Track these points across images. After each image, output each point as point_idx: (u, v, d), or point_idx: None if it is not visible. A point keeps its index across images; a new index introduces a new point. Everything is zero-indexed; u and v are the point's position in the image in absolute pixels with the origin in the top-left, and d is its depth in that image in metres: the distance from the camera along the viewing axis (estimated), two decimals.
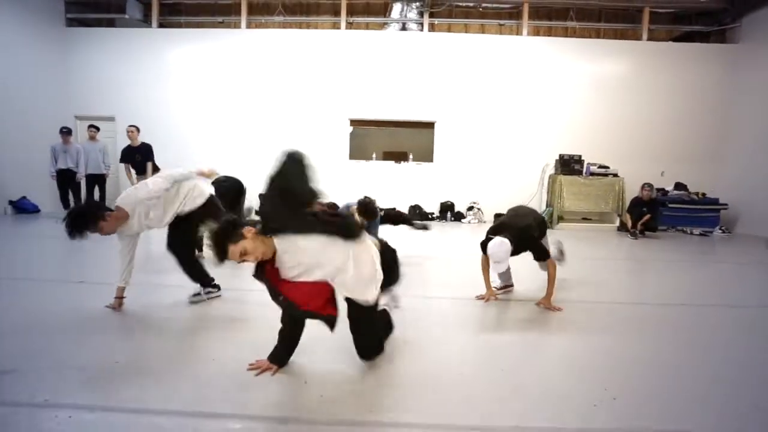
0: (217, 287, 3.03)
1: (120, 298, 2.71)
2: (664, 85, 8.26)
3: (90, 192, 7.69)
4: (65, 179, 6.79)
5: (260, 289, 1.89)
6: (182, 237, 2.90)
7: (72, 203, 6.77)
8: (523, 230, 3.00)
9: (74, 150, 6.79)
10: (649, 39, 8.43)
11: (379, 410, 1.65)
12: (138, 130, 6.73)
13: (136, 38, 8.40)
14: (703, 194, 7.92)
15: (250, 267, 1.83)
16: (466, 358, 2.17)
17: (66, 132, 6.80)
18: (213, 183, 4.21)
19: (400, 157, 8.89)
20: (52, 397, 1.64)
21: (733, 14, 8.25)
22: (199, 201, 2.87)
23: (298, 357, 1.98)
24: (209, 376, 1.87)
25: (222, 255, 1.69)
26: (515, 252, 2.96)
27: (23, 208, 7.16)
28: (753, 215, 7.62)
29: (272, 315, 1.97)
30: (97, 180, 7.51)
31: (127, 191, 2.65)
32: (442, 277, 3.98)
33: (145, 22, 8.64)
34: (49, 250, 4.83)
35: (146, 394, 1.70)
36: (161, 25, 8.71)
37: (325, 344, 2.08)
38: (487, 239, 3.01)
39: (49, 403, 1.61)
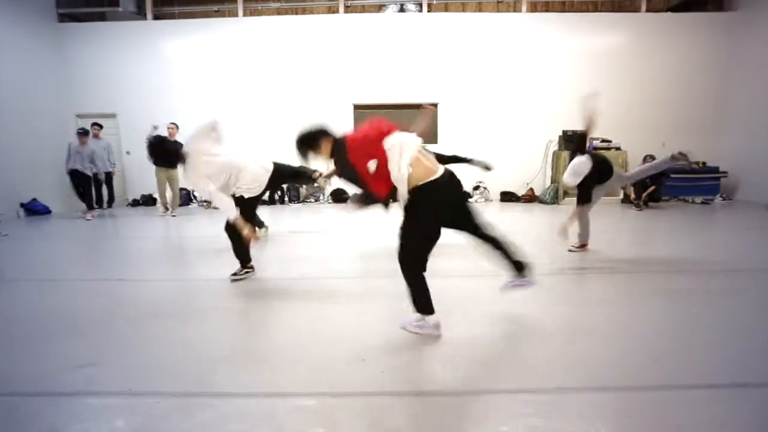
0: (252, 268, 3.36)
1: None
2: (663, 56, 8.30)
3: (97, 190, 7.71)
4: (78, 179, 6.84)
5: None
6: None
7: (84, 200, 6.85)
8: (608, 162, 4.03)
9: (88, 151, 6.82)
10: (647, 10, 8.43)
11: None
12: (177, 127, 6.90)
13: (132, 32, 8.27)
14: (704, 163, 8.07)
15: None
16: (522, 325, 2.32)
17: (82, 133, 6.84)
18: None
19: None
20: (135, 387, 1.77)
21: None
22: (254, 190, 3.26)
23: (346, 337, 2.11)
24: (283, 360, 2.00)
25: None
26: (598, 179, 3.96)
27: (34, 210, 7.18)
28: (752, 182, 7.80)
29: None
30: (104, 178, 7.53)
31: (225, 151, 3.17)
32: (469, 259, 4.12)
33: (139, 14, 8.49)
34: (73, 250, 4.90)
35: (249, 379, 1.83)
36: (156, 17, 8.57)
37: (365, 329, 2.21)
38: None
39: (133, 392, 1.73)
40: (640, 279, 3.25)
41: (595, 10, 8.69)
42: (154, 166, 6.68)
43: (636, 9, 8.47)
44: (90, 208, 6.85)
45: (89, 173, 6.84)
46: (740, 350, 2.02)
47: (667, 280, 3.19)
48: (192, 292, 3.08)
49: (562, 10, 8.53)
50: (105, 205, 7.88)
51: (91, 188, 6.93)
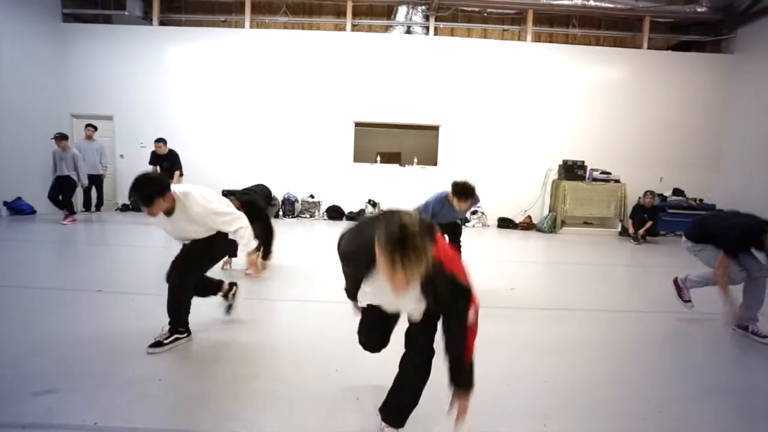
0: (187, 333, 2.47)
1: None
2: (663, 93, 8.42)
3: (86, 193, 7.50)
4: (63, 185, 6.55)
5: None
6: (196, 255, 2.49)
7: (64, 205, 6.56)
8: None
9: (70, 156, 6.53)
10: (648, 47, 8.59)
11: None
12: (165, 143, 6.71)
13: (136, 36, 8.22)
14: (701, 200, 8.09)
15: None
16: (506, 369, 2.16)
17: (59, 137, 6.44)
18: (244, 192, 4.11)
19: (403, 159, 8.91)
20: (102, 420, 1.58)
21: (729, 25, 8.45)
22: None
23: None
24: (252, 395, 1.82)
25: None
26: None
27: (18, 209, 6.93)
28: None
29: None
30: (94, 180, 7.34)
31: (193, 187, 2.38)
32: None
33: (145, 19, 8.45)
34: (51, 254, 4.68)
35: (209, 416, 1.64)
36: (161, 23, 8.54)
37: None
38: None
39: (99, 427, 1.55)
40: (638, 321, 3.13)
41: (598, 43, 8.84)
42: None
43: (638, 45, 8.62)
44: (71, 212, 6.55)
45: (81, 180, 6.60)
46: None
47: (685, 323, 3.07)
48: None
49: (566, 42, 8.66)
50: (93, 208, 7.65)
51: (74, 194, 6.69)
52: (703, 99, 8.47)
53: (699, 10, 8.37)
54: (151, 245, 5.11)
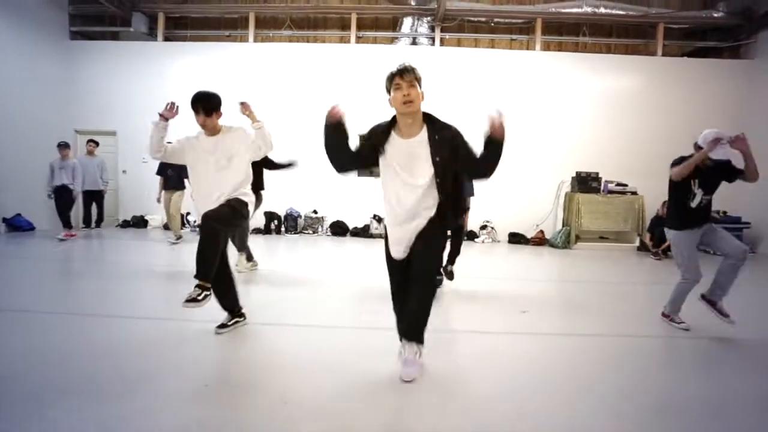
0: (243, 316, 2.87)
1: None
2: (680, 101, 8.06)
3: (87, 209, 7.39)
4: (62, 194, 6.46)
5: None
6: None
7: (71, 217, 6.48)
8: None
9: (71, 165, 6.48)
10: (663, 54, 8.28)
11: None
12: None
13: (141, 51, 8.22)
14: (725, 212, 7.64)
15: None
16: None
17: (63, 146, 6.50)
18: None
19: None
20: None
21: (749, 30, 8.11)
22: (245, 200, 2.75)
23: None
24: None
25: None
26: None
27: (18, 225, 6.83)
28: None
29: None
30: (94, 196, 7.23)
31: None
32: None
33: (151, 35, 8.48)
34: (46, 273, 4.49)
35: None
36: (166, 39, 8.55)
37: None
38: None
39: None
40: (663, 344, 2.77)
41: (609, 51, 8.56)
42: (160, 191, 6.41)
43: (651, 53, 8.32)
44: (68, 227, 6.43)
45: (75, 189, 6.50)
46: None
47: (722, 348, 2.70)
48: (170, 337, 2.62)
49: (576, 50, 8.41)
50: (93, 224, 7.53)
51: (72, 206, 6.58)
52: (723, 106, 8.08)
53: (715, 15, 8.07)
54: (153, 263, 4.90)
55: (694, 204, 2.97)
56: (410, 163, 1.98)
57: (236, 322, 2.77)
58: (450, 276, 3.95)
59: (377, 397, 1.91)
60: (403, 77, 1.92)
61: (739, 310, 3.12)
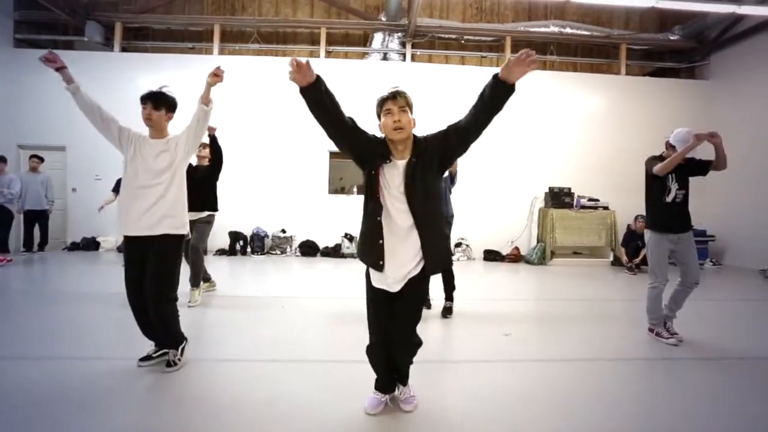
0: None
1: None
2: (642, 118, 8.31)
3: (28, 230, 6.72)
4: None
5: None
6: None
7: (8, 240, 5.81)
8: None
9: (6, 181, 5.86)
10: (626, 74, 8.56)
11: None
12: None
13: (95, 62, 7.70)
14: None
15: None
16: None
17: None
18: None
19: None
20: None
21: (702, 53, 8.53)
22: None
23: None
24: None
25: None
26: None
27: None
28: (740, 246, 7.55)
29: None
30: (37, 216, 6.58)
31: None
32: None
33: (107, 45, 7.99)
34: None
35: None
36: (124, 50, 8.08)
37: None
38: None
39: None
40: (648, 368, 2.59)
41: (575, 70, 8.78)
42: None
43: (615, 72, 8.59)
44: (4, 250, 5.78)
45: (12, 209, 5.86)
46: None
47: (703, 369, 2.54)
48: (98, 378, 2.19)
49: (544, 69, 8.56)
50: (35, 247, 6.83)
51: (9, 228, 5.93)
52: (682, 123, 8.26)
53: (672, 38, 8.45)
54: (100, 293, 4.37)
55: (669, 198, 3.08)
56: (398, 184, 1.79)
57: (163, 353, 2.48)
58: (448, 312, 3.70)
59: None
60: (396, 101, 1.78)
61: (712, 323, 3.08)
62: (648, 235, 3.22)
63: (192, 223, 3.52)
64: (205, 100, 2.52)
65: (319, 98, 1.67)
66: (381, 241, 1.78)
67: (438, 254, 1.81)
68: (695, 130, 3.09)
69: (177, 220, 2.44)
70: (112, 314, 3.48)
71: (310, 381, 2.32)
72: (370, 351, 1.97)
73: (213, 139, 4.08)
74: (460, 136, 1.76)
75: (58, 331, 3.10)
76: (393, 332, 1.88)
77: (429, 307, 3.85)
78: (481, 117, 1.67)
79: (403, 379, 2.05)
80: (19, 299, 4.24)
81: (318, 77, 1.66)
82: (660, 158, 3.16)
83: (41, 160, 6.65)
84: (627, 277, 6.25)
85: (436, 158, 1.77)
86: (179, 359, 2.44)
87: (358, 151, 1.81)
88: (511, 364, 2.69)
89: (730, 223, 7.69)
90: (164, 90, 2.55)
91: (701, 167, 3.19)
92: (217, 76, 2.51)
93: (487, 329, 3.38)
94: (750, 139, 7.53)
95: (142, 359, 2.44)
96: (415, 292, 1.85)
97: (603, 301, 4.82)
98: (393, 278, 1.79)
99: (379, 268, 1.79)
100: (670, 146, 3.17)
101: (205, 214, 4.02)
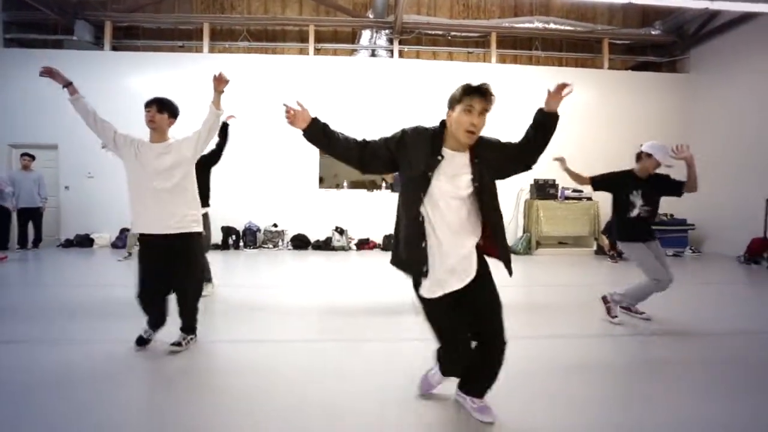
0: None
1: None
2: (625, 111, 8.53)
3: (23, 227, 6.80)
4: None
5: None
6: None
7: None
8: None
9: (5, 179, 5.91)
10: (609, 68, 8.77)
11: None
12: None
13: (85, 61, 7.75)
14: (671, 215, 8.07)
15: None
16: None
17: None
18: None
19: (371, 185, 8.61)
20: None
21: (682, 47, 8.76)
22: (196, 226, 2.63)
23: None
24: None
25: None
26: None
27: None
28: (718, 234, 7.81)
29: None
30: (32, 214, 6.67)
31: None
32: None
33: (97, 44, 8.04)
34: None
35: None
36: (115, 49, 8.14)
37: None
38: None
39: None
40: (630, 343, 2.79)
41: (560, 65, 8.98)
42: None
43: (598, 66, 8.80)
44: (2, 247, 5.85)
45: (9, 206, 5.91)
46: None
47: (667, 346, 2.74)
48: (116, 359, 2.35)
49: (530, 63, 8.75)
50: (30, 245, 6.91)
51: (9, 224, 5.97)
52: (664, 117, 8.63)
53: (653, 32, 8.67)
54: (92, 284, 4.49)
55: (633, 214, 3.06)
56: (456, 177, 1.69)
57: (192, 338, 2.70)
58: None
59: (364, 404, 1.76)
60: (483, 102, 1.67)
61: (688, 304, 3.21)
62: (623, 247, 3.23)
63: None
64: (217, 106, 2.65)
65: (319, 136, 1.74)
66: (424, 244, 1.63)
67: (505, 247, 1.74)
68: (669, 147, 3.08)
69: (191, 217, 2.57)
70: (109, 302, 3.62)
71: (313, 359, 2.48)
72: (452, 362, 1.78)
73: (225, 127, 4.04)
74: (519, 153, 1.77)
75: (58, 316, 3.24)
76: (483, 334, 1.71)
77: None
78: (535, 142, 1.74)
79: (484, 392, 1.80)
80: (20, 291, 4.35)
81: (314, 118, 1.74)
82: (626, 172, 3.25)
83: (32, 158, 6.72)
84: (609, 265, 6.48)
85: (493, 161, 1.72)
86: (187, 342, 2.59)
87: (391, 165, 1.76)
88: None
89: (710, 213, 7.93)
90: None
91: (673, 187, 3.13)
92: (220, 81, 2.63)
93: None
94: (728, 131, 7.78)
95: (138, 342, 2.58)
96: (486, 276, 1.73)
97: (582, 286, 5.02)
98: (452, 276, 1.65)
99: (423, 274, 1.63)
100: (646, 156, 3.13)
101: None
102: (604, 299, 3.27)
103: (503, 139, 1.83)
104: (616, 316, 3.13)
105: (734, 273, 5.88)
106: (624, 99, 8.54)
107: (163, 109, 2.56)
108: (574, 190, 7.74)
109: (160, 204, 2.48)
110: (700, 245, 8.04)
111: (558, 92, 1.70)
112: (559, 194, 7.68)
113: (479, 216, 1.69)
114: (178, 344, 2.55)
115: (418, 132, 1.74)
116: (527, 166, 1.77)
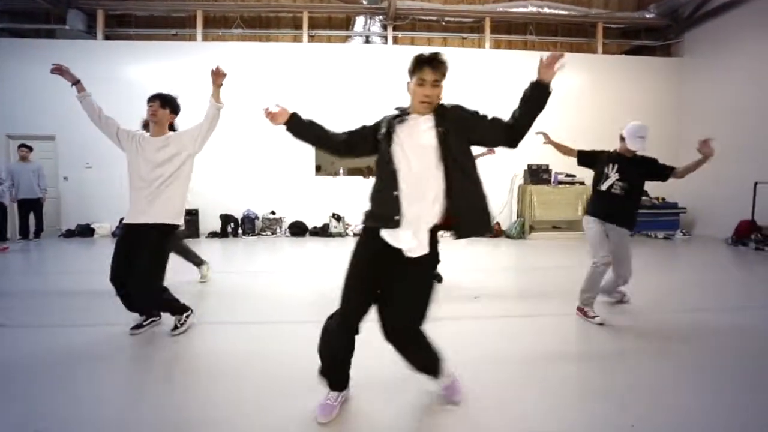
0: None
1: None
2: (619, 95, 8.58)
3: (24, 218, 6.90)
4: None
5: None
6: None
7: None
8: None
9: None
10: (603, 52, 8.78)
11: None
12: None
13: (79, 51, 7.73)
14: (663, 199, 8.20)
15: None
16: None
17: None
18: None
19: (368, 171, 8.68)
20: None
21: (676, 30, 8.76)
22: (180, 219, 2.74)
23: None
24: None
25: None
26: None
27: None
28: (708, 218, 7.96)
29: None
30: (32, 205, 6.76)
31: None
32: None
33: (89, 33, 8.02)
34: None
35: None
36: (108, 37, 8.12)
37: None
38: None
39: None
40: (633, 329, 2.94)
41: (555, 49, 8.93)
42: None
43: (593, 51, 8.80)
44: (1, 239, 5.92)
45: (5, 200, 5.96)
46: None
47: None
48: (102, 341, 2.49)
49: (524, 49, 8.75)
50: (31, 235, 7.02)
51: (5, 216, 6.03)
52: (658, 100, 8.68)
53: (647, 16, 8.65)
54: (95, 270, 4.62)
55: (603, 187, 2.99)
56: (418, 131, 1.70)
57: (152, 322, 2.81)
58: (439, 279, 3.86)
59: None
60: (434, 72, 1.69)
61: (679, 291, 3.19)
62: (584, 222, 3.15)
63: None
64: (217, 100, 2.76)
65: (301, 128, 1.82)
66: (396, 193, 1.60)
67: (475, 214, 1.69)
68: (646, 129, 2.98)
69: (173, 210, 2.64)
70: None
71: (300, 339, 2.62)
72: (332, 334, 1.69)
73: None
74: (498, 127, 1.74)
75: (58, 302, 3.37)
76: (388, 315, 1.64)
77: (440, 280, 3.82)
78: (521, 119, 1.70)
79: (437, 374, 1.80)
80: (24, 279, 4.48)
81: (293, 113, 1.82)
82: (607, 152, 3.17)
83: (30, 149, 6.78)
84: None
85: (461, 127, 1.72)
86: (182, 322, 2.70)
87: (371, 149, 1.79)
88: (469, 321, 3.02)
89: (701, 196, 8.06)
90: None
91: (659, 171, 3.04)
92: (217, 75, 2.73)
93: (457, 294, 3.71)
94: (721, 114, 7.85)
95: (133, 328, 2.70)
96: (428, 261, 1.65)
97: (572, 268, 5.16)
98: (411, 240, 1.59)
99: (394, 224, 1.59)
100: (621, 138, 3.08)
101: None
102: (578, 308, 3.08)
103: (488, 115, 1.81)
104: (596, 316, 2.95)
105: (719, 255, 6.03)
106: (618, 83, 8.58)
107: (165, 104, 2.68)
108: (567, 175, 7.84)
109: (146, 193, 2.59)
110: (691, 228, 8.19)
111: (551, 62, 1.64)
112: (552, 179, 7.78)
113: (444, 178, 1.64)
114: (175, 328, 2.67)
115: (391, 113, 1.83)
116: (509, 144, 1.77)
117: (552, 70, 1.64)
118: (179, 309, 2.72)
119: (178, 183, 2.68)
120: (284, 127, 1.82)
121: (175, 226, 2.68)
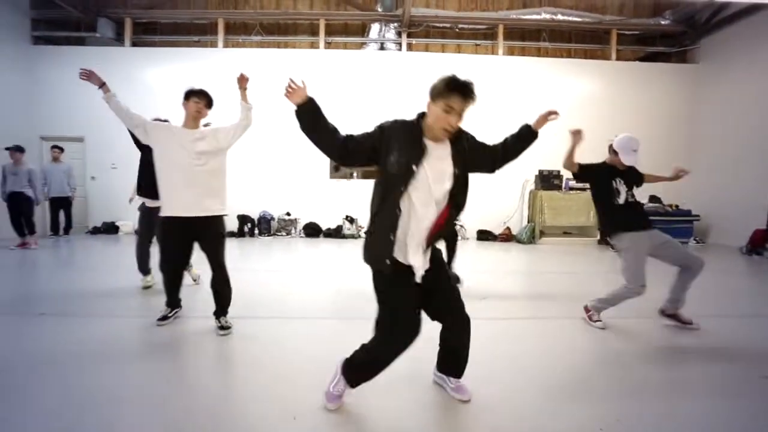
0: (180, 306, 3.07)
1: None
2: (633, 102, 8.58)
3: (54, 216, 7.28)
4: (15, 202, 6.14)
5: None
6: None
7: (25, 228, 6.18)
8: None
9: (24, 171, 6.15)
10: (617, 59, 8.79)
11: None
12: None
13: (108, 57, 8.15)
14: (676, 206, 8.16)
15: None
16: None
17: (14, 150, 6.06)
18: None
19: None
20: None
21: (693, 37, 8.72)
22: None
23: None
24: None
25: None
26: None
27: None
28: (723, 225, 7.89)
29: None
30: (62, 203, 7.13)
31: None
32: None
33: (118, 40, 8.41)
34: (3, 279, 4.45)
35: None
36: (134, 44, 8.50)
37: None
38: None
39: None
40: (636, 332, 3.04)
41: (568, 56, 9.02)
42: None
43: (607, 57, 8.82)
44: (22, 235, 6.15)
45: (30, 195, 6.16)
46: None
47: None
48: (123, 333, 2.71)
49: (538, 55, 8.83)
50: (61, 231, 7.40)
51: (32, 212, 6.29)
52: (673, 107, 8.65)
53: (663, 22, 8.64)
54: (122, 266, 4.91)
55: (621, 200, 2.90)
56: (438, 168, 1.69)
57: (175, 312, 3.02)
58: (456, 280, 3.90)
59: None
60: (464, 103, 1.63)
61: (690, 298, 3.14)
62: (614, 239, 2.94)
63: (151, 211, 3.68)
64: (246, 101, 3.05)
65: (310, 115, 1.76)
66: (392, 237, 1.61)
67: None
68: (638, 141, 3.05)
69: (222, 200, 2.85)
70: (135, 282, 4.00)
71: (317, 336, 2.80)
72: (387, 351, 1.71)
73: None
74: (488, 157, 1.88)
75: (91, 294, 3.63)
76: (450, 320, 1.80)
77: (460, 281, 3.90)
78: (512, 150, 1.93)
79: (460, 372, 1.94)
80: (59, 272, 4.79)
81: (311, 97, 1.76)
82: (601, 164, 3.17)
83: (62, 150, 7.16)
84: (612, 255, 6.63)
85: (470, 159, 1.77)
86: (229, 323, 2.80)
87: (374, 156, 1.74)
88: (483, 321, 3.15)
89: (715, 204, 8.01)
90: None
91: (641, 180, 3.15)
92: (242, 80, 3.01)
93: (470, 294, 3.83)
94: (736, 122, 7.80)
95: (159, 319, 2.89)
96: (442, 267, 1.81)
97: (582, 274, 5.24)
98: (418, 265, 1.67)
99: (386, 268, 1.62)
100: (613, 152, 3.07)
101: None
102: (586, 308, 3.12)
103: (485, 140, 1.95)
104: (599, 320, 2.96)
105: (732, 263, 6.00)
106: (632, 90, 8.58)
107: (209, 105, 2.92)
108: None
109: (198, 185, 2.71)
110: (705, 236, 8.13)
111: (546, 117, 2.04)
112: (563, 185, 7.83)
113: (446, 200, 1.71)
114: (225, 327, 2.76)
115: (396, 125, 1.73)
116: (492, 170, 1.91)
117: (546, 122, 2.03)
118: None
119: (217, 176, 2.85)
120: (296, 109, 1.78)
121: (224, 215, 2.92)
